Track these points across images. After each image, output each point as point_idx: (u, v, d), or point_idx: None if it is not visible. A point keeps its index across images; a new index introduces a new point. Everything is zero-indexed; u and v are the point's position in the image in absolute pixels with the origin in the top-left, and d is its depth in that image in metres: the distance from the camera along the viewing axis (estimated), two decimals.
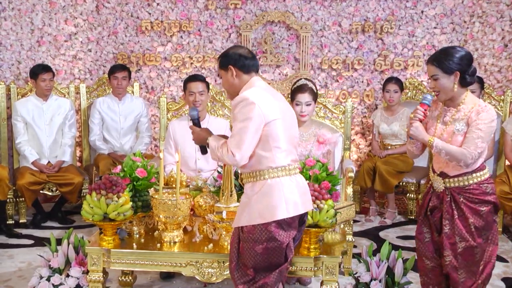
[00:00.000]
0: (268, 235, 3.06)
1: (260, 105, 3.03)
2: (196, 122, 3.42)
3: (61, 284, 3.81)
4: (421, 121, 3.40)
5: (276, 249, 3.09)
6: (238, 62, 3.19)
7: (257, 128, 3.04)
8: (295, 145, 3.27)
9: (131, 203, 3.77)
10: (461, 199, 3.36)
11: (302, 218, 3.24)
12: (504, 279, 4.74)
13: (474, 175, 3.34)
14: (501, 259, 5.16)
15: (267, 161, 3.09)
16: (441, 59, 3.31)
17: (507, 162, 5.94)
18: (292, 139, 3.21)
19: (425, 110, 3.42)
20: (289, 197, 3.09)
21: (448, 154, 3.29)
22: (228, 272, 3.64)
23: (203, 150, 3.40)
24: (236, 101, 3.08)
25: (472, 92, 5.73)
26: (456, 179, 3.36)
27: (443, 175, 3.41)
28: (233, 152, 3.04)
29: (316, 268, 3.63)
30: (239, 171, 3.31)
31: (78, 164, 6.70)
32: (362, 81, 6.81)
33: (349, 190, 4.82)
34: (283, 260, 3.15)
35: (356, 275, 3.79)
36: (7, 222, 5.91)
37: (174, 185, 3.80)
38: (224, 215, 3.61)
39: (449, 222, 3.39)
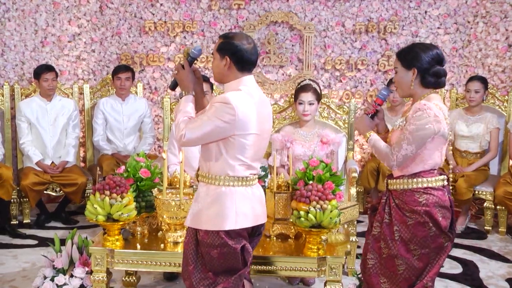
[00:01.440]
0: (220, 241, 3.00)
1: (239, 115, 2.92)
2: (192, 61, 3.21)
3: (65, 284, 3.82)
4: (374, 114, 3.29)
5: (230, 254, 3.03)
6: (236, 56, 3.03)
7: (222, 132, 2.95)
8: (261, 157, 3.21)
9: (134, 203, 3.77)
10: (393, 204, 3.16)
11: (258, 229, 3.19)
12: (509, 280, 4.73)
13: (410, 180, 3.11)
14: (505, 259, 5.16)
15: (228, 168, 3.02)
16: (404, 52, 3.18)
17: (511, 162, 5.92)
18: (259, 152, 3.14)
19: (378, 104, 3.29)
20: (240, 209, 3.03)
21: (376, 151, 3.21)
22: None
23: (173, 86, 3.26)
24: (220, 99, 2.97)
25: (476, 92, 5.80)
26: (396, 180, 3.17)
27: (390, 176, 3.27)
28: (185, 132, 2.97)
29: (319, 269, 3.63)
30: (199, 166, 3.23)
31: (82, 164, 6.70)
32: (366, 81, 6.80)
33: (353, 190, 4.82)
34: (240, 265, 3.09)
35: (360, 276, 3.78)
36: (11, 222, 5.92)
37: (177, 186, 3.80)
38: None
39: (379, 225, 3.22)
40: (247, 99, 3.00)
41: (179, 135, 3.00)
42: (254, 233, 3.19)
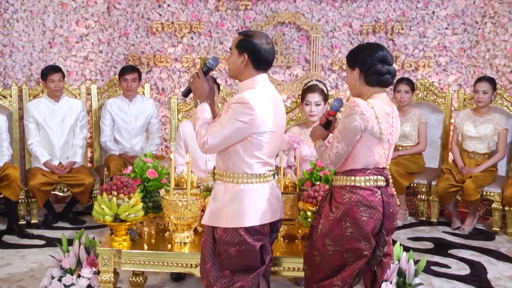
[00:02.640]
0: (239, 239, 3.04)
1: (258, 114, 2.98)
2: (207, 71, 3.23)
3: (72, 284, 3.82)
4: (326, 124, 3.26)
5: (249, 252, 3.07)
6: (254, 54, 3.07)
7: (242, 133, 3.00)
8: (276, 154, 3.25)
9: (142, 204, 3.77)
10: (328, 198, 3.18)
11: (275, 225, 3.24)
12: None
13: (340, 177, 3.12)
14: (510, 260, 5.14)
15: (245, 166, 3.07)
16: (349, 54, 3.20)
17: None
18: (275, 150, 3.19)
19: (331, 115, 3.25)
20: (259, 205, 3.08)
21: (318, 156, 3.23)
22: None
23: (186, 93, 3.30)
24: (237, 99, 3.01)
25: (485, 93, 5.78)
26: (334, 177, 3.19)
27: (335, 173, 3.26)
28: (207, 138, 3.01)
29: None
30: (215, 165, 3.26)
31: (89, 165, 6.72)
32: None
33: None
34: (258, 263, 3.12)
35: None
36: (19, 222, 5.93)
37: (184, 186, 3.80)
38: None
39: (316, 215, 3.26)
40: (263, 97, 3.05)
41: (201, 142, 3.04)
42: (272, 229, 3.22)
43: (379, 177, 3.11)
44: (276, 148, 3.21)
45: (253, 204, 3.06)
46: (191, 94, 3.30)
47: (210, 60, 3.22)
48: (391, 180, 3.21)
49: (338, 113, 3.30)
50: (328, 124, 3.28)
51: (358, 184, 3.06)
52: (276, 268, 3.60)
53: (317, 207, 3.37)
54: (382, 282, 3.63)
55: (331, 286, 3.09)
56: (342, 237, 3.05)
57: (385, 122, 3.08)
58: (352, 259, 3.08)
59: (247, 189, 3.08)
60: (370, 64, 3.08)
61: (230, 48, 3.21)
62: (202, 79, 3.19)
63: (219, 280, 3.12)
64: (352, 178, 3.07)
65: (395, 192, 3.25)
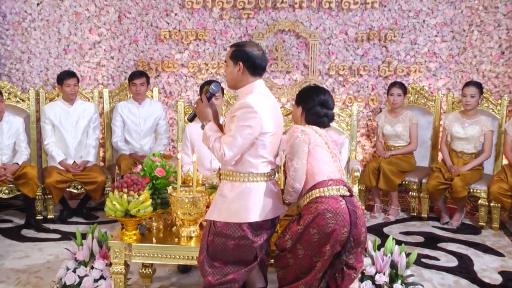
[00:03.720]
0: (241, 233, 3.06)
1: (262, 116, 3.02)
2: (210, 96, 3.30)
3: (86, 275, 3.83)
4: None
5: (247, 247, 3.08)
6: (248, 62, 3.12)
7: (252, 136, 3.03)
8: (276, 154, 3.27)
9: (150, 200, 3.78)
10: (296, 218, 3.22)
11: (273, 221, 3.25)
12: (501, 273, 4.72)
13: (306, 195, 3.19)
14: (498, 253, 5.15)
15: (250, 166, 3.09)
16: (299, 92, 3.48)
17: (505, 161, 5.90)
18: (276, 149, 3.23)
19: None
20: (263, 202, 3.10)
21: (286, 196, 3.34)
22: None
23: (191, 118, 3.37)
24: (240, 105, 3.03)
25: (472, 96, 5.78)
26: (300, 201, 3.28)
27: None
28: (225, 150, 3.02)
29: None
30: (220, 167, 3.28)
31: (102, 164, 6.73)
32: (367, 86, 6.79)
33: (355, 188, 4.81)
34: (252, 259, 3.13)
35: (362, 269, 3.77)
36: (36, 217, 5.94)
37: (191, 184, 3.81)
38: None
39: (281, 235, 3.29)
40: (263, 101, 3.08)
41: (219, 155, 3.04)
42: (272, 224, 3.24)
43: (341, 186, 3.16)
44: (277, 147, 3.25)
45: (258, 201, 3.09)
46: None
47: (212, 86, 3.29)
48: (355, 194, 3.27)
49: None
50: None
51: (322, 194, 3.11)
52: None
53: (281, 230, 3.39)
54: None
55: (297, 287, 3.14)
56: (310, 243, 3.09)
57: (324, 137, 3.23)
58: (319, 262, 3.10)
59: (253, 187, 3.10)
60: (311, 105, 3.27)
61: (225, 61, 3.23)
62: (206, 104, 3.24)
63: (211, 270, 3.13)
64: (316, 190, 3.13)
65: (361, 206, 3.30)
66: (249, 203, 3.08)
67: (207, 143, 3.16)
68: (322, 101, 3.30)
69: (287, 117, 5.49)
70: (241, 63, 3.12)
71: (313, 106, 3.29)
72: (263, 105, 3.06)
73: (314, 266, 3.11)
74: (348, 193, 3.17)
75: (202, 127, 3.26)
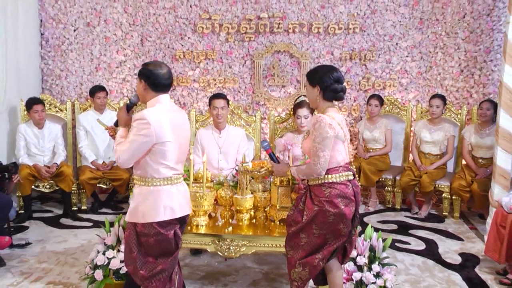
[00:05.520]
0: (154, 231, 2.92)
1: (155, 127, 2.85)
2: (130, 106, 3.13)
3: (113, 257, 3.82)
4: (273, 156, 3.33)
5: (164, 240, 2.95)
6: (149, 79, 2.97)
7: (144, 145, 2.86)
8: (183, 160, 3.10)
9: None
10: (309, 195, 3.14)
11: (184, 218, 3.10)
12: (461, 254, 4.73)
13: (319, 177, 3.07)
14: (458, 238, 5.16)
15: (152, 171, 2.94)
16: (310, 73, 3.16)
17: (463, 162, 5.90)
18: (180, 156, 3.04)
19: (268, 153, 3.34)
20: (167, 203, 2.94)
21: (304, 175, 3.14)
22: (244, 249, 3.64)
23: (116, 123, 3.18)
24: (137, 117, 2.89)
25: (437, 107, 5.77)
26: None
27: None
28: (119, 155, 2.91)
29: None
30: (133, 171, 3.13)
31: None
32: (350, 98, 6.77)
33: None
34: (173, 248, 3.02)
35: None
36: (72, 208, 5.94)
37: (201, 181, 3.79)
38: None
39: (294, 209, 3.24)
40: (160, 113, 2.92)
41: (116, 157, 2.95)
42: (182, 222, 3.11)
43: (349, 172, 3.12)
44: (181, 155, 3.06)
45: (162, 203, 2.93)
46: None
47: (132, 98, 3.14)
48: (356, 174, 3.22)
49: (269, 149, 3.39)
50: (273, 158, 3.32)
51: (335, 180, 3.06)
52: (274, 245, 3.59)
53: (296, 202, 3.30)
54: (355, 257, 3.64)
55: (313, 260, 3.09)
56: (325, 223, 3.03)
57: (343, 126, 3.10)
58: (332, 239, 3.08)
59: (156, 190, 2.94)
60: (328, 83, 3.07)
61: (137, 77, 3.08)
62: (123, 112, 3.11)
63: (144, 265, 3.00)
64: (329, 176, 3.06)
65: (359, 183, 3.26)
66: (154, 205, 2.93)
67: (115, 145, 3.05)
68: (337, 78, 3.08)
69: (282, 124, 5.48)
70: (143, 81, 2.99)
71: (330, 84, 3.06)
72: (159, 117, 2.89)
73: (327, 242, 3.08)
74: (352, 177, 3.13)
75: (116, 124, 3.18)
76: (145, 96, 3.02)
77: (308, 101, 4.76)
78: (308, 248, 3.11)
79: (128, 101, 3.15)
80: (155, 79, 2.96)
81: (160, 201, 2.93)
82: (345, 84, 3.27)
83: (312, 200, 3.09)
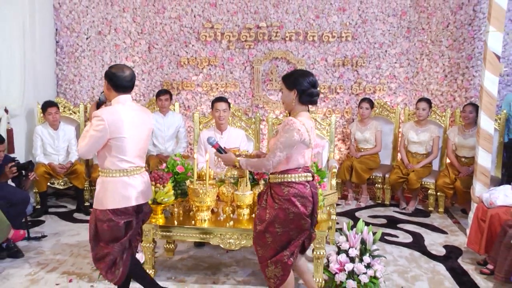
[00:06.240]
0: (107, 217, 3.00)
1: (108, 123, 2.92)
2: (100, 104, 3.19)
3: None
4: (220, 149, 3.18)
5: (115, 227, 3.02)
6: (112, 81, 3.03)
7: (100, 139, 2.94)
8: (142, 154, 3.14)
9: (173, 191, 3.77)
10: (269, 192, 3.04)
11: (140, 207, 3.14)
12: (445, 246, 4.72)
13: (279, 176, 2.98)
14: (443, 232, 5.15)
15: (109, 164, 3.01)
16: (287, 77, 3.04)
17: (448, 161, 5.89)
18: (138, 151, 3.09)
19: (215, 147, 3.19)
20: (121, 193, 3.01)
21: (252, 167, 3.04)
22: (244, 241, 3.64)
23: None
24: (94, 114, 2.97)
25: (423, 110, 5.78)
26: (272, 175, 3.04)
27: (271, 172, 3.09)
28: (79, 147, 3.02)
29: None
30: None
31: None
32: (343, 101, 6.77)
33: (333, 181, 4.80)
34: (122, 235, 3.07)
35: (338, 244, 3.76)
36: (85, 204, 5.93)
37: (204, 178, 3.80)
38: None
39: (258, 207, 3.11)
40: (116, 111, 2.99)
41: (77, 149, 3.04)
42: (139, 211, 3.15)
43: (308, 173, 3.03)
44: (139, 150, 3.09)
45: (115, 192, 3.01)
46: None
47: (101, 96, 3.20)
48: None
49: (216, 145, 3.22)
50: (220, 150, 3.20)
51: (293, 180, 2.97)
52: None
53: (258, 200, 3.19)
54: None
55: (282, 257, 3.01)
56: (287, 221, 2.96)
57: (311, 133, 3.00)
58: (296, 234, 3.00)
59: (111, 180, 3.02)
60: (306, 87, 2.97)
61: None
62: (94, 108, 3.17)
63: (95, 248, 3.10)
64: (289, 175, 2.97)
65: (318, 185, 3.15)
66: (108, 193, 3.01)
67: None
68: (313, 82, 2.99)
69: (279, 126, 5.47)
70: (107, 81, 3.06)
71: (307, 88, 2.95)
72: (113, 115, 2.96)
73: (292, 238, 3.00)
74: (311, 178, 3.06)
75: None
76: (109, 95, 3.10)
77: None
78: (275, 246, 3.01)
79: (99, 99, 3.23)
80: (116, 81, 3.03)
81: (115, 190, 3.01)
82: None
83: (273, 198, 3.01)
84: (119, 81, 3.03)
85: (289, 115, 3.07)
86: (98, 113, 2.94)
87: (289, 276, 3.07)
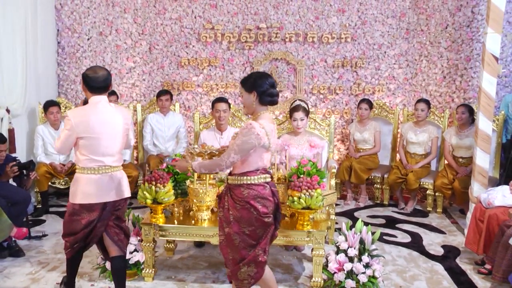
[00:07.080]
0: (73, 211, 3.18)
1: (75, 124, 3.08)
2: (85, 103, 3.30)
3: None
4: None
5: (74, 221, 3.19)
6: (85, 81, 3.16)
7: (69, 138, 3.11)
8: (112, 153, 3.19)
9: (173, 191, 3.77)
10: (229, 194, 2.99)
11: (114, 205, 3.25)
12: (443, 246, 4.73)
13: (238, 178, 2.94)
14: (441, 232, 5.15)
15: (78, 161, 3.17)
16: (246, 80, 3.00)
17: (445, 161, 5.89)
18: (106, 149, 3.15)
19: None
20: (85, 189, 3.14)
21: (206, 169, 3.01)
22: None
23: None
24: (65, 115, 3.15)
25: (422, 110, 5.78)
26: (230, 177, 3.00)
27: (229, 173, 3.06)
28: (56, 145, 3.20)
29: (308, 239, 3.62)
30: None
31: (135, 162, 6.70)
32: (342, 102, 6.77)
33: (332, 182, 4.79)
34: (78, 230, 3.20)
35: (337, 244, 3.76)
36: None
37: (204, 178, 3.79)
38: None
39: (222, 209, 3.03)
40: (84, 112, 3.15)
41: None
42: (111, 209, 3.23)
43: (267, 175, 3.00)
44: (107, 148, 3.16)
45: (81, 188, 3.14)
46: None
47: (85, 97, 3.32)
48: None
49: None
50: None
51: (253, 182, 2.93)
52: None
53: (219, 202, 3.12)
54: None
55: (256, 256, 2.95)
56: (251, 219, 2.91)
57: (271, 136, 2.96)
58: (263, 231, 2.95)
59: (79, 177, 3.17)
60: (265, 88, 2.95)
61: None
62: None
63: (65, 240, 3.29)
64: (248, 177, 2.93)
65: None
66: (75, 189, 3.17)
67: None
68: (272, 83, 2.97)
69: (280, 126, 5.47)
70: (82, 82, 3.19)
71: (267, 89, 2.93)
72: (81, 115, 3.11)
73: (259, 236, 2.95)
74: (270, 179, 3.02)
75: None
76: (86, 95, 3.23)
77: (302, 105, 4.80)
78: (244, 246, 2.94)
79: (85, 99, 3.35)
80: (89, 82, 3.15)
81: (80, 186, 3.15)
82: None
83: (233, 199, 2.96)
84: (92, 82, 3.14)
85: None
86: (67, 113, 3.12)
87: (266, 272, 3.04)
